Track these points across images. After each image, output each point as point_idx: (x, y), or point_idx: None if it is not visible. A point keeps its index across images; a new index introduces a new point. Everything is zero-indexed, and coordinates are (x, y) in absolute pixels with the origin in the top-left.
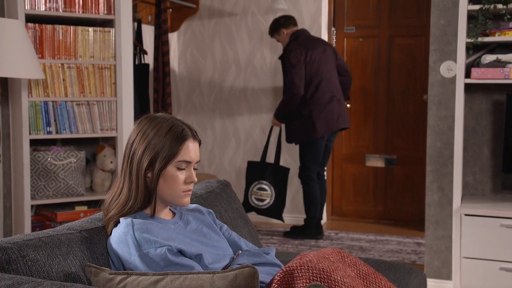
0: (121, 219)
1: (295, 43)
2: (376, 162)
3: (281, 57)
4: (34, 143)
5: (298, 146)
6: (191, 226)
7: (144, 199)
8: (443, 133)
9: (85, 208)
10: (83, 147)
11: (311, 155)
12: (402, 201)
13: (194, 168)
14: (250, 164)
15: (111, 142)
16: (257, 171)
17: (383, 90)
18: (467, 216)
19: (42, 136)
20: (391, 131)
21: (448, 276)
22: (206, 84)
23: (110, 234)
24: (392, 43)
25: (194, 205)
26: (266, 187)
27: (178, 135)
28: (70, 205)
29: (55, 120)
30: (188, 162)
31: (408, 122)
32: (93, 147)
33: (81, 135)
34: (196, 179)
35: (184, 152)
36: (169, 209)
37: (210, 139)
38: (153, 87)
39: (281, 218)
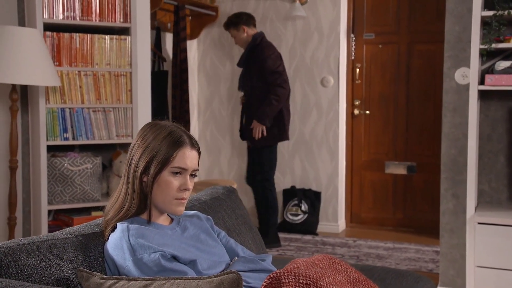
0: (118, 224)
1: (271, 48)
2: (395, 169)
3: (247, 60)
4: (52, 149)
5: (252, 151)
6: (189, 232)
7: (140, 203)
8: (457, 140)
9: (101, 213)
10: (100, 153)
11: (274, 159)
12: (421, 209)
13: (192, 175)
14: (284, 192)
15: (127, 148)
16: (290, 194)
17: (402, 97)
18: (480, 224)
19: (59, 142)
20: (410, 138)
21: (462, 285)
22: (225, 91)
23: (108, 239)
24: (412, 49)
25: (193, 212)
26: (299, 203)
27: (175, 140)
28: (87, 211)
29: (71, 127)
30: (183, 169)
31: (428, 129)
32: (110, 153)
33: (97, 141)
34: (190, 187)
35: (179, 158)
36: (167, 215)
37: (229, 146)
38: (171, 93)
39: (315, 233)
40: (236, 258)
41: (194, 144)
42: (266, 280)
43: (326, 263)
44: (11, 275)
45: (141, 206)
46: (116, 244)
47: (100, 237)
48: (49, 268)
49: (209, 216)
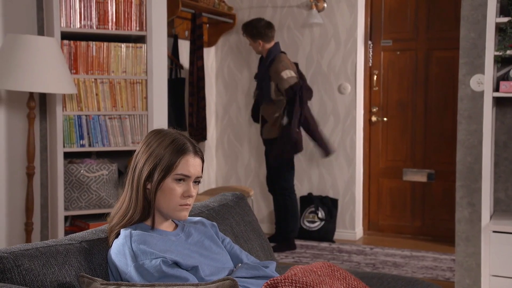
0: (121, 231)
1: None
2: (413, 176)
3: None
4: (70, 155)
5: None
6: (193, 238)
7: (143, 210)
8: (473, 148)
9: None
10: (116, 160)
11: (291, 166)
12: (440, 217)
13: (195, 182)
14: (301, 199)
15: None
16: (307, 201)
17: (420, 104)
18: (495, 233)
19: (75, 149)
20: (429, 145)
21: None
22: (243, 98)
23: (111, 245)
24: (430, 56)
25: (197, 218)
26: (316, 210)
27: (179, 148)
28: (103, 217)
29: (88, 134)
30: (187, 176)
31: (446, 136)
32: (126, 160)
33: (113, 148)
34: (194, 194)
35: (182, 165)
36: (172, 221)
37: (247, 152)
38: (188, 100)
39: (331, 240)
40: (240, 264)
41: (198, 152)
42: (263, 286)
43: (324, 270)
44: (13, 280)
45: (145, 213)
46: (119, 250)
47: (104, 243)
48: (51, 274)
49: (214, 223)
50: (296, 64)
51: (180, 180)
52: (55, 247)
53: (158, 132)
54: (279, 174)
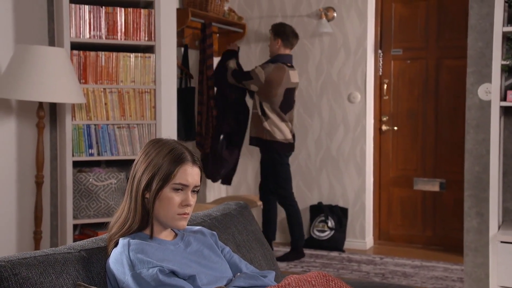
0: (120, 240)
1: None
2: (424, 185)
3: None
4: (79, 164)
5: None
6: (192, 248)
7: (142, 219)
8: (481, 157)
9: None
10: (125, 168)
11: (278, 173)
12: (451, 226)
13: (194, 191)
14: (311, 208)
15: None
16: (317, 210)
17: (431, 113)
18: (503, 243)
19: (84, 158)
20: (439, 155)
21: None
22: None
23: (110, 254)
24: (440, 65)
25: (197, 227)
26: (326, 219)
27: (177, 157)
28: None
29: (97, 143)
30: (185, 186)
31: (457, 145)
32: None
33: (121, 157)
34: (192, 203)
35: (180, 174)
36: (172, 230)
37: (256, 161)
38: (197, 110)
39: (341, 249)
40: (239, 274)
41: (196, 161)
42: None
43: (319, 280)
44: None
45: (143, 222)
46: (117, 259)
47: (103, 252)
48: (48, 282)
49: (214, 232)
50: (293, 88)
51: (178, 189)
52: (54, 256)
53: (156, 142)
54: (276, 183)
